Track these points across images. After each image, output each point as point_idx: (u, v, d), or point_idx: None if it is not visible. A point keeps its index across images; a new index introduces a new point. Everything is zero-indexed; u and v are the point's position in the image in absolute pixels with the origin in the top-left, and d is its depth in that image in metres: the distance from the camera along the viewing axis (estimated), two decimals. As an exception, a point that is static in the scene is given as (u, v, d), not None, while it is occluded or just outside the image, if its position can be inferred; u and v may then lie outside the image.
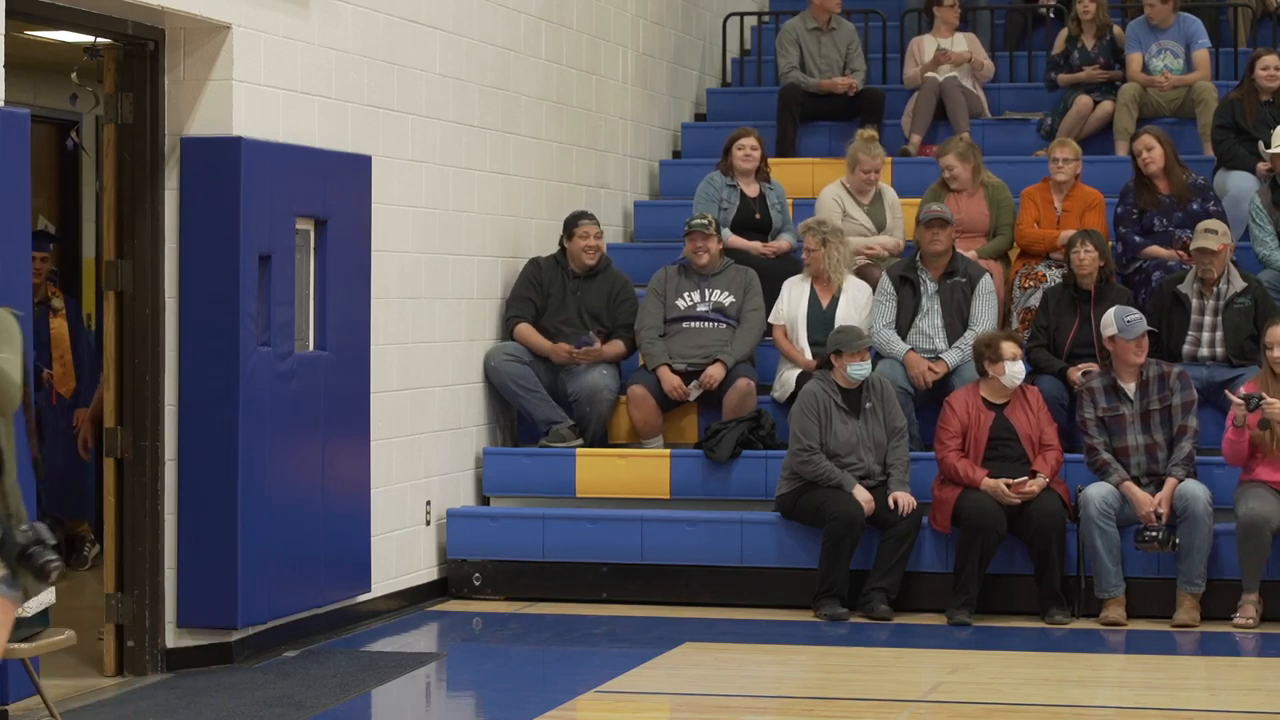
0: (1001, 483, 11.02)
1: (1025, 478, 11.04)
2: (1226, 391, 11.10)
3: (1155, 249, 12.51)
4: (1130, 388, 11.19)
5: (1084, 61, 14.75)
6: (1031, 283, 12.47)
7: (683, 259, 12.65)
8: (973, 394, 11.31)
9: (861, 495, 11.19)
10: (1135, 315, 11.20)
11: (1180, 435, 11.11)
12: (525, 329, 12.31)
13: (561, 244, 12.58)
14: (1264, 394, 10.76)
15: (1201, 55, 14.49)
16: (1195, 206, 12.50)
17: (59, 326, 12.67)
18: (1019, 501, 11.02)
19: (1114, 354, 11.22)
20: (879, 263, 12.81)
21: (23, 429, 8.41)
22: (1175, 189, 12.58)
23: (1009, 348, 11.21)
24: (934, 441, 11.35)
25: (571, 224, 12.52)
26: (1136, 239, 12.59)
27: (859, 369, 11.31)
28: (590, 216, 12.59)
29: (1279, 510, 10.81)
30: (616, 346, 12.39)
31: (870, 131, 13.38)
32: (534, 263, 12.52)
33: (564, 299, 12.38)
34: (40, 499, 11.98)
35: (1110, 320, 11.19)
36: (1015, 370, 11.18)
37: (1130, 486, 11.02)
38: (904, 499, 11.22)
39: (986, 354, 11.27)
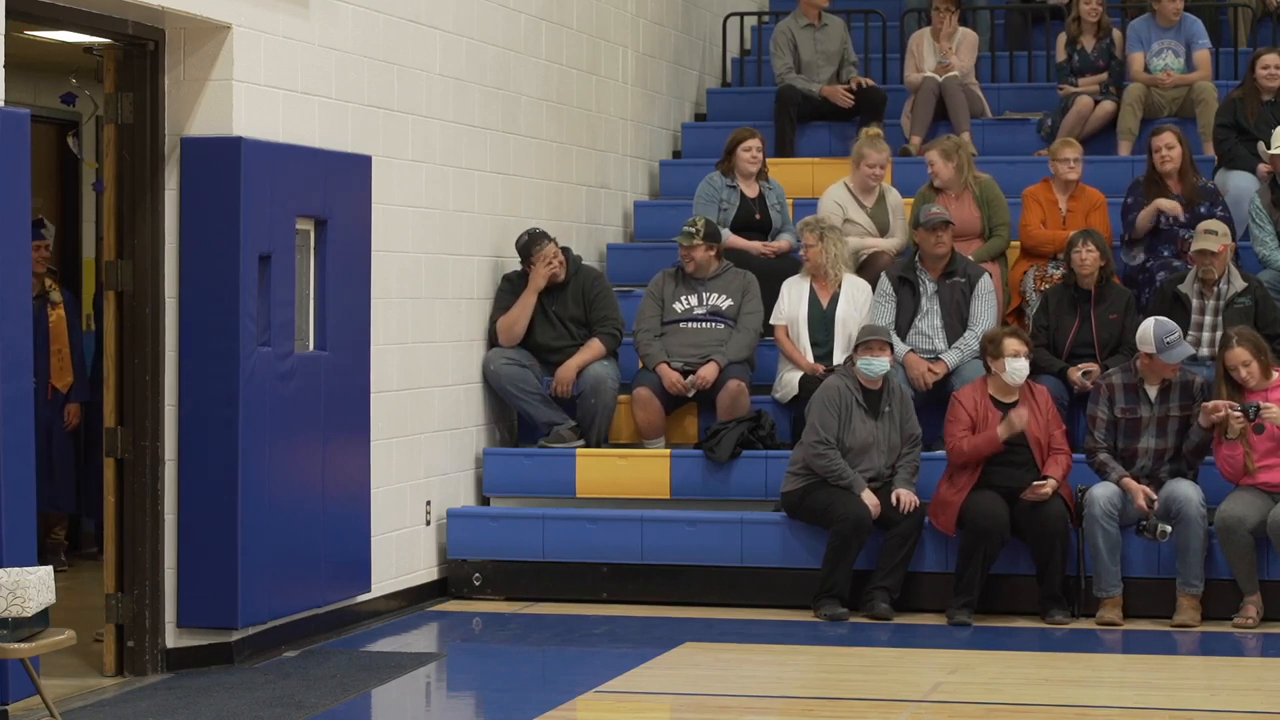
0: (1014, 417, 10.95)
1: (1040, 482, 11.00)
2: (1230, 410, 10.86)
3: (1146, 213, 12.47)
4: (1153, 391, 11.14)
5: (1084, 64, 14.74)
6: (1046, 285, 12.41)
7: (680, 262, 12.65)
8: (980, 391, 11.25)
9: (869, 500, 11.16)
10: (1175, 334, 11.03)
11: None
12: (502, 319, 12.24)
13: (524, 268, 12.34)
14: (1259, 402, 10.74)
15: (1202, 55, 14.50)
16: (1203, 210, 12.45)
17: (57, 319, 12.68)
18: (1034, 499, 10.94)
19: (1146, 365, 11.12)
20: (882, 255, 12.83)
21: (31, 424, 8.42)
22: (1186, 191, 12.58)
23: (1011, 344, 11.15)
24: (944, 437, 11.26)
25: (526, 253, 12.23)
26: (1133, 220, 12.60)
27: (868, 364, 11.27)
28: (539, 238, 12.26)
29: (1257, 510, 10.80)
30: (595, 348, 12.31)
31: (875, 129, 13.34)
32: (507, 278, 12.42)
33: (545, 315, 12.30)
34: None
35: (1149, 337, 11.02)
36: (1016, 367, 11.13)
37: (1129, 481, 11.02)
38: (906, 496, 11.20)
39: (989, 349, 11.23)
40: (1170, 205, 12.50)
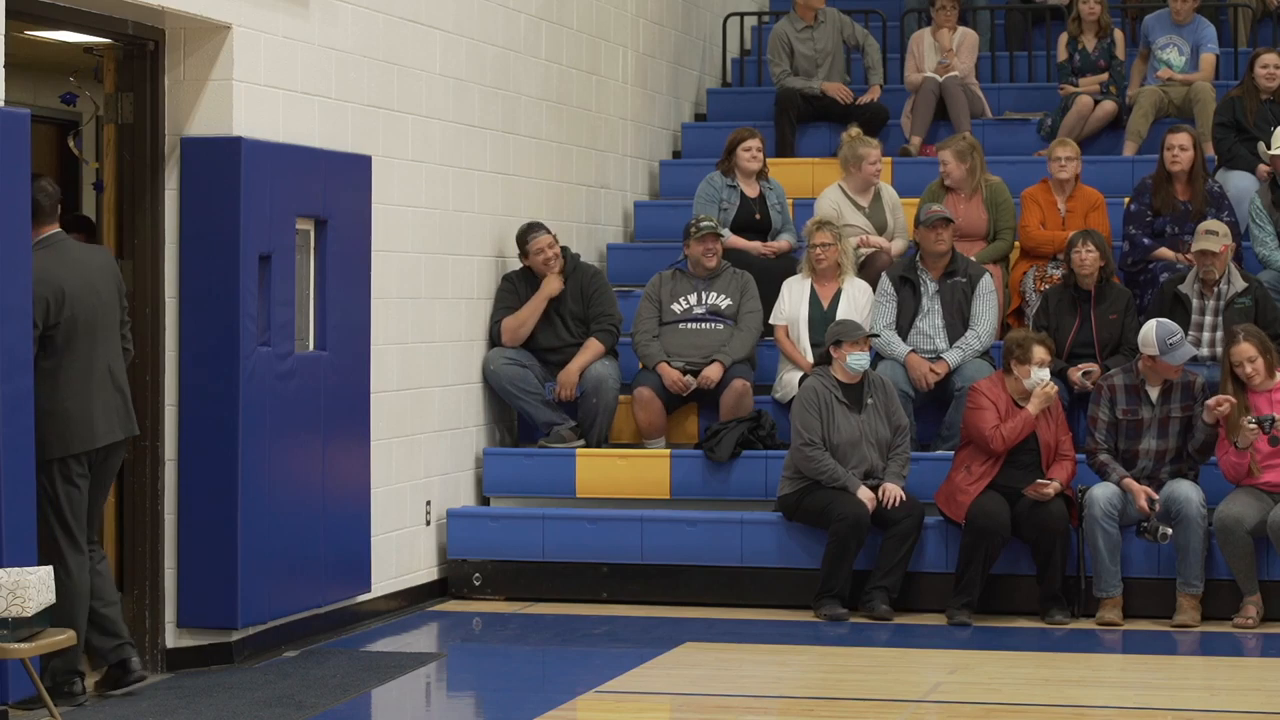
0: (1046, 390, 10.97)
1: (1044, 480, 10.99)
2: (1244, 421, 10.86)
3: (1164, 251, 12.50)
4: (1154, 392, 11.14)
5: (1085, 63, 14.75)
6: (1046, 285, 12.41)
7: (679, 262, 12.63)
8: (999, 387, 11.20)
9: (865, 496, 11.15)
10: (1178, 336, 11.03)
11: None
12: (509, 319, 12.25)
13: (523, 262, 12.39)
14: (1275, 415, 10.74)
15: (1207, 59, 14.50)
16: (1210, 216, 12.43)
17: None
18: (1036, 496, 10.92)
19: (1148, 367, 11.11)
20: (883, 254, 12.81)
21: (31, 424, 8.40)
22: (1194, 196, 12.57)
23: (1039, 352, 11.09)
24: (967, 428, 11.13)
25: (523, 242, 12.29)
26: (1146, 241, 12.57)
27: (858, 359, 11.26)
28: (537, 228, 12.32)
29: (1256, 510, 10.80)
30: (595, 348, 12.31)
31: (855, 130, 13.29)
32: (508, 278, 12.43)
33: (546, 312, 12.30)
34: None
35: (1151, 340, 11.01)
36: (1040, 376, 11.09)
37: (1130, 482, 11.02)
38: (891, 490, 11.16)
39: (1017, 353, 11.13)
40: (1173, 257, 12.50)
